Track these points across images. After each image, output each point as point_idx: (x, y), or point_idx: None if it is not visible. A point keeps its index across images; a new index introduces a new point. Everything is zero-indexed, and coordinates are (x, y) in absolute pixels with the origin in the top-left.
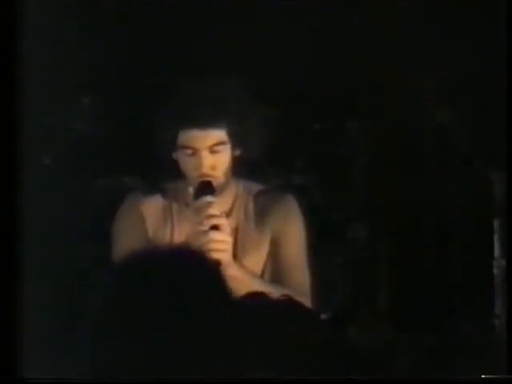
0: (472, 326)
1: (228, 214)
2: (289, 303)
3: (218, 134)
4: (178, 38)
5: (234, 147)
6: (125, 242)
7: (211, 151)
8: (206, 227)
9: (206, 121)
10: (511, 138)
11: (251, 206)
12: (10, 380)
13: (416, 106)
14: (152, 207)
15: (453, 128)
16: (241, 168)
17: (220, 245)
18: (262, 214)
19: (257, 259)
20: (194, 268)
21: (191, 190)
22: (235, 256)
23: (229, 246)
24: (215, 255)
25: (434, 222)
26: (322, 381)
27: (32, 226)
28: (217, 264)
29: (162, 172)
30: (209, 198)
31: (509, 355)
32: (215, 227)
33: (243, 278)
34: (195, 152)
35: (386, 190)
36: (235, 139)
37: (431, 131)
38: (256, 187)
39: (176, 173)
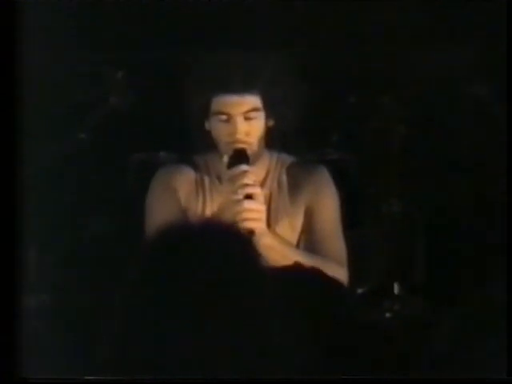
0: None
1: (261, 184)
2: (322, 276)
3: (253, 100)
4: (214, 9)
5: (267, 116)
6: (158, 214)
7: (246, 117)
8: (239, 196)
9: (240, 86)
10: None
11: (284, 177)
12: (10, 380)
13: (452, 79)
14: (184, 180)
15: (489, 101)
16: (275, 140)
17: (254, 214)
18: (295, 185)
19: (291, 230)
20: (227, 238)
21: (225, 158)
22: (269, 225)
23: (263, 215)
24: (249, 224)
25: (471, 196)
26: (322, 381)
27: (63, 204)
28: (250, 233)
29: (195, 145)
30: (243, 167)
31: (509, 355)
32: (249, 196)
33: (278, 246)
34: (230, 118)
35: (422, 163)
36: (269, 108)
37: (467, 104)
38: (289, 159)
39: (208, 146)
